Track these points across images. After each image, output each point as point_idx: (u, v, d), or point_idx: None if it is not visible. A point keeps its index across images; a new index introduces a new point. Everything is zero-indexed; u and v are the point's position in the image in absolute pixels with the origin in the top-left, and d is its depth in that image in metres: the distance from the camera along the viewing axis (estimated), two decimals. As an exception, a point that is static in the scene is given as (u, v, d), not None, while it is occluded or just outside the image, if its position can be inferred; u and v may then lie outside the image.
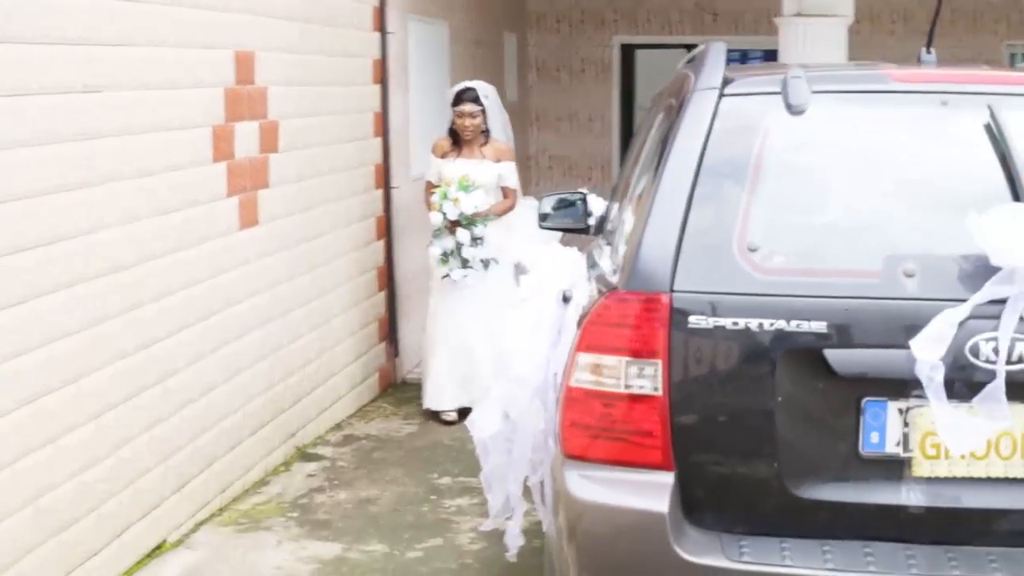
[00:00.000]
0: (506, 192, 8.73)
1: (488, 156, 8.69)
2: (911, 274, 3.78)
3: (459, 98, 8.73)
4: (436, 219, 8.49)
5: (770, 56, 13.14)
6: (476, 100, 8.69)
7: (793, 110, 4.07)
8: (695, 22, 15.66)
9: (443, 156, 8.75)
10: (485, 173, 8.60)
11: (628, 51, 16.21)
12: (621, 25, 15.74)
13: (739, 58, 18.57)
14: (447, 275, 8.56)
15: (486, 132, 8.76)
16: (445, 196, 8.43)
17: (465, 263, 8.48)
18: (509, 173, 8.73)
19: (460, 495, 7.14)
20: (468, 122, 8.64)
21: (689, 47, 15.31)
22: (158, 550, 6.21)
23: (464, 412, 8.08)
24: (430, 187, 8.77)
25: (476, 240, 8.44)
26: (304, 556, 6.27)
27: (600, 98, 15.86)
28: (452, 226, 8.44)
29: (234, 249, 6.95)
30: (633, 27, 15.75)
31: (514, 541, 5.15)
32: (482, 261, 8.50)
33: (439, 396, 8.67)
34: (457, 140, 8.73)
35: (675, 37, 15.70)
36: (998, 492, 3.81)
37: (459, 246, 8.45)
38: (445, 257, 8.52)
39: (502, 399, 4.85)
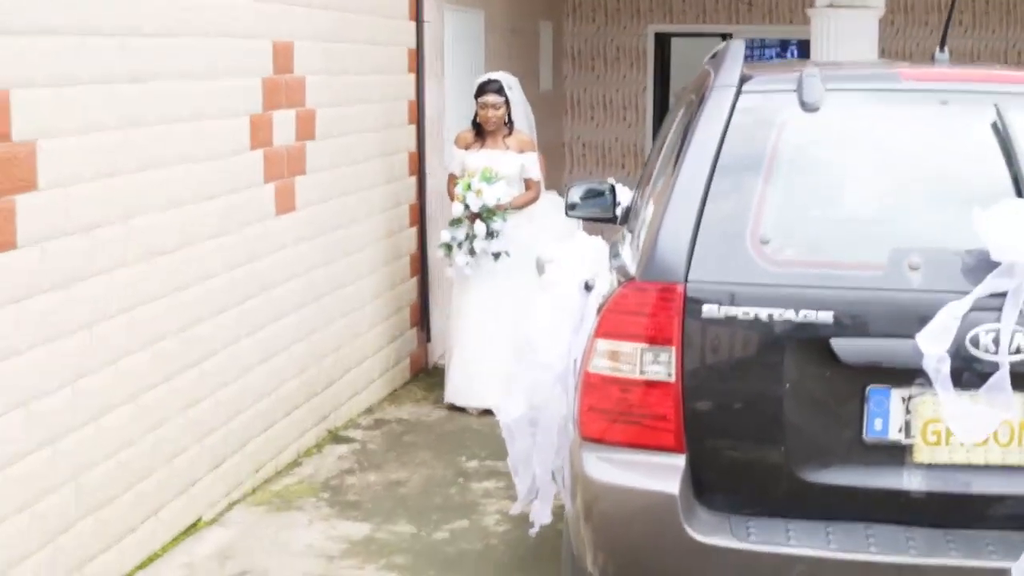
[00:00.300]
0: (529, 183, 8.83)
1: (512, 147, 8.80)
2: (915, 267, 3.93)
3: (482, 89, 8.83)
4: (458, 209, 8.57)
5: (807, 46, 13.23)
6: (499, 91, 8.79)
7: (807, 107, 4.23)
8: (730, 11, 15.73)
9: (466, 148, 8.86)
10: (508, 164, 8.71)
11: (663, 40, 16.29)
12: (656, 14, 15.83)
13: (779, 46, 18.67)
14: (445, 255, 8.68)
15: (509, 123, 8.87)
16: (468, 187, 8.53)
17: (472, 253, 8.56)
18: (532, 164, 8.83)
19: (487, 478, 7.30)
20: (491, 113, 8.74)
21: (724, 36, 15.46)
22: (193, 527, 6.39)
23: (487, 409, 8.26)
24: (453, 179, 8.89)
25: (491, 234, 8.52)
26: (334, 535, 6.43)
27: (634, 86, 15.96)
28: (473, 217, 8.54)
29: (271, 235, 7.13)
30: (668, 16, 15.84)
31: (540, 518, 5.31)
32: (493, 254, 8.57)
33: (455, 391, 8.78)
34: (480, 132, 8.84)
35: (710, 26, 15.78)
36: (996, 478, 3.96)
37: (472, 237, 8.53)
38: (448, 247, 8.62)
39: (527, 385, 5.02)
